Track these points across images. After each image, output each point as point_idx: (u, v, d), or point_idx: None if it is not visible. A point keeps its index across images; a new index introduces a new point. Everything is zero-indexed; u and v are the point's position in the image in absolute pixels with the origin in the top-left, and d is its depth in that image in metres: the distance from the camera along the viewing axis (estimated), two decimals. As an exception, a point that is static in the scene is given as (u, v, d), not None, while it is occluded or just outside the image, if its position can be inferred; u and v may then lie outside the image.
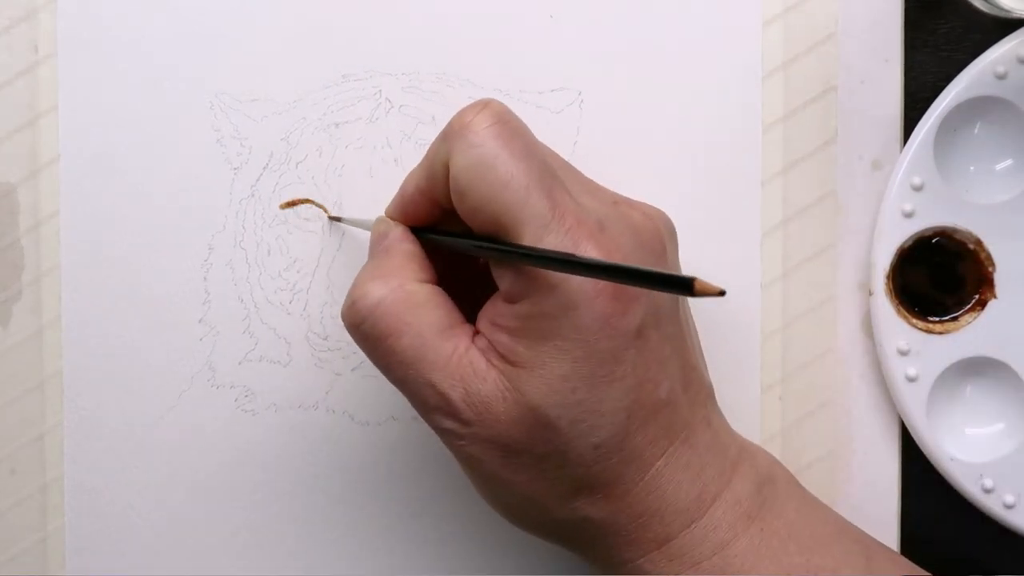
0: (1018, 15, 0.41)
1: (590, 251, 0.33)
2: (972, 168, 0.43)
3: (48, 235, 0.43)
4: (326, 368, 0.44)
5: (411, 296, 0.35)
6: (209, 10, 0.43)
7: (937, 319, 0.43)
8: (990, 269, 0.43)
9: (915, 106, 0.43)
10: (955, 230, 0.43)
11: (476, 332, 0.35)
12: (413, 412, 0.43)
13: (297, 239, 0.43)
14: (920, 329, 0.43)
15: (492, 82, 0.43)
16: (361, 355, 0.43)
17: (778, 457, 0.40)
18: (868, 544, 0.38)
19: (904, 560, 0.39)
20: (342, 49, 0.43)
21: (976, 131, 0.43)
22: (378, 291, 0.35)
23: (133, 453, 0.44)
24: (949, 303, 0.44)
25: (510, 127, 0.34)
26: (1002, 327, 0.43)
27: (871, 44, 0.43)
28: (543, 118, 0.43)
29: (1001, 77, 0.41)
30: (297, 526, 0.44)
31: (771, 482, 0.37)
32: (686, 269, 0.39)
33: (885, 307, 0.43)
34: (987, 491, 0.42)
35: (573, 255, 0.32)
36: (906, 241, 0.43)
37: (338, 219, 0.43)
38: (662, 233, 0.37)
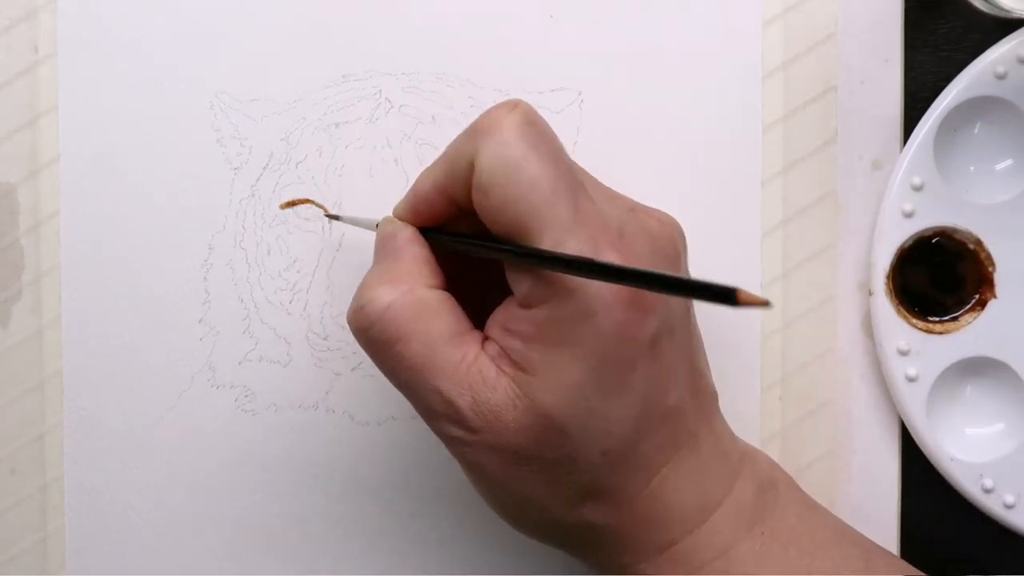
0: (1018, 15, 0.41)
1: (610, 257, 0.33)
2: (972, 168, 0.43)
3: (48, 235, 0.43)
4: (326, 368, 0.44)
5: (421, 302, 0.35)
6: (209, 10, 0.43)
7: (937, 319, 0.43)
8: (990, 269, 0.43)
9: (915, 106, 0.43)
10: (955, 230, 0.43)
11: (485, 339, 0.35)
12: (413, 412, 0.43)
13: (297, 239, 0.43)
14: (920, 329, 0.43)
15: (492, 82, 0.43)
16: (361, 355, 0.43)
17: (778, 457, 0.40)
18: (867, 547, 0.38)
19: (903, 563, 0.39)
20: (342, 49, 0.43)
21: (976, 131, 0.43)
22: (387, 296, 0.35)
23: (133, 453, 0.44)
24: (949, 303, 0.44)
25: (538, 129, 0.34)
26: (1002, 327, 0.43)
27: (871, 44, 0.43)
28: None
29: (1001, 77, 0.41)
30: (297, 526, 0.44)
31: (772, 487, 0.37)
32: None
33: (885, 307, 0.43)
34: (987, 491, 0.42)
35: (612, 263, 0.32)
36: (906, 241, 0.43)
37: (336, 217, 0.43)
38: (676, 240, 0.37)
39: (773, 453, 0.43)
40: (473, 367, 0.34)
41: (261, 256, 0.43)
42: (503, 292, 0.35)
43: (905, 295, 0.43)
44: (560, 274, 0.32)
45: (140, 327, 0.44)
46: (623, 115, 0.43)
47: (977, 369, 0.43)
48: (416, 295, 0.35)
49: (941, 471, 0.43)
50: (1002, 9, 0.40)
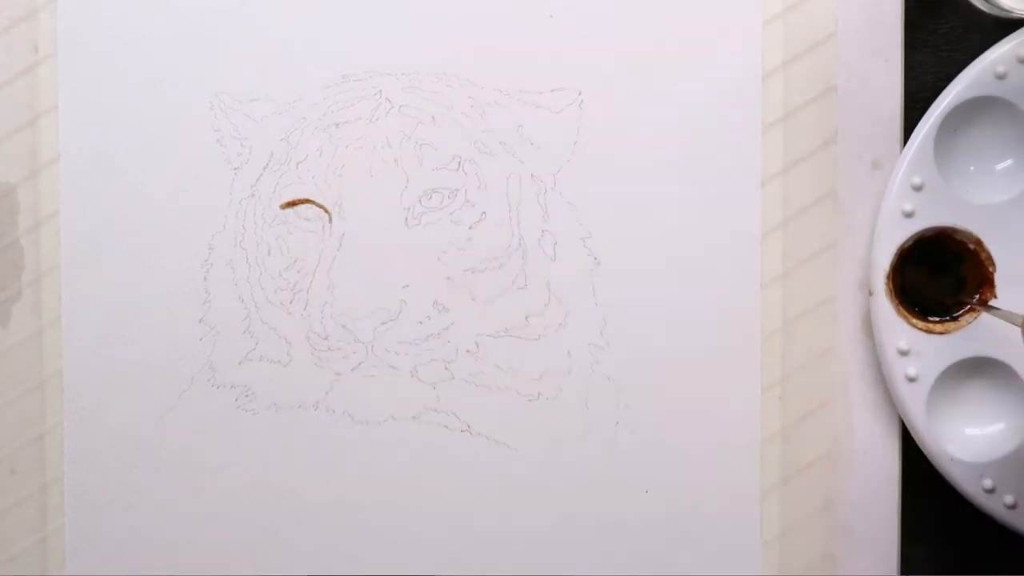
0: (1018, 15, 0.41)
1: None
2: (972, 168, 0.43)
3: (48, 235, 0.43)
4: (326, 368, 0.44)
5: None
6: (209, 10, 0.43)
7: (937, 319, 0.43)
8: (990, 269, 0.43)
9: (915, 106, 0.43)
10: (955, 230, 0.43)
11: None
12: (413, 412, 0.43)
13: (297, 239, 0.43)
14: (920, 329, 0.43)
15: (492, 82, 0.43)
16: (361, 355, 0.43)
17: (778, 457, 0.40)
18: None
19: None
20: (342, 49, 0.43)
21: (976, 131, 0.43)
22: None
23: (133, 453, 0.44)
24: (949, 303, 0.44)
25: None
26: (1002, 327, 0.43)
27: (871, 44, 0.43)
28: (543, 118, 0.43)
29: (1001, 77, 0.41)
30: (297, 525, 0.44)
31: None
32: (686, 269, 0.39)
33: (885, 307, 0.43)
34: (988, 491, 0.42)
35: None
36: (906, 241, 0.43)
37: (995, 310, 0.39)
38: None
39: (773, 453, 0.43)
40: None
41: (261, 256, 0.43)
42: None
43: (905, 295, 0.43)
44: None
45: (140, 327, 0.44)
46: (623, 115, 0.43)
47: (977, 369, 0.43)
48: None
49: (941, 471, 0.43)
50: (1002, 9, 0.40)
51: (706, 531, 0.44)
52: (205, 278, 0.43)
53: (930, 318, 0.43)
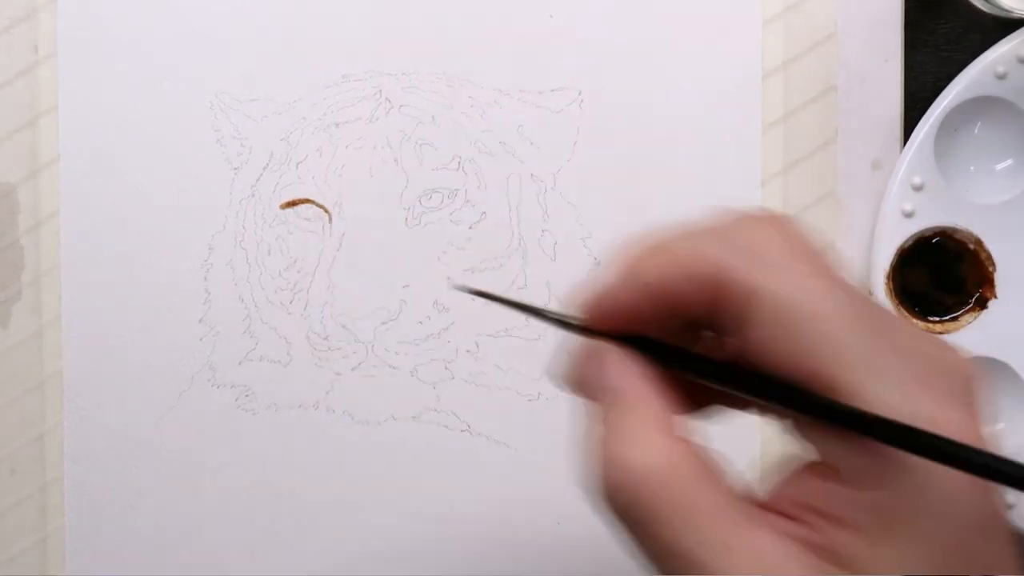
0: (1018, 15, 0.41)
1: (950, 414, 0.25)
2: (972, 168, 0.43)
3: (48, 235, 0.43)
4: (326, 368, 0.44)
5: (681, 464, 0.26)
6: (209, 10, 0.43)
7: (937, 319, 0.43)
8: (990, 269, 0.43)
9: (915, 106, 0.43)
10: (955, 230, 0.43)
11: (778, 514, 0.27)
12: (413, 412, 0.43)
13: (297, 239, 0.43)
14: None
15: (492, 82, 0.43)
16: (361, 355, 0.43)
17: (779, 457, 0.39)
18: None
19: None
20: (342, 49, 0.43)
21: (976, 131, 0.43)
22: (638, 458, 0.26)
23: (133, 453, 0.44)
24: (949, 303, 0.44)
25: (821, 252, 0.27)
26: (1002, 327, 0.43)
27: (871, 44, 0.43)
28: (543, 118, 0.43)
29: (1001, 77, 0.41)
30: (297, 525, 0.44)
31: None
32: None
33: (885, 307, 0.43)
34: (987, 491, 0.42)
35: (988, 451, 0.25)
36: (906, 241, 0.43)
37: (499, 299, 0.33)
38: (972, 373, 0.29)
39: (773, 453, 0.43)
40: (769, 556, 0.25)
41: (261, 256, 0.43)
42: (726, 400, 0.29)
43: (905, 295, 0.43)
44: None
45: (140, 327, 0.44)
46: (623, 115, 0.43)
47: (977, 369, 0.43)
48: (675, 455, 0.26)
49: (941, 471, 0.43)
50: (1002, 9, 0.40)
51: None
52: (205, 278, 0.43)
53: (930, 318, 0.43)
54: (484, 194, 0.43)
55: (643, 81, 0.43)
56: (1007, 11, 0.41)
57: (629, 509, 0.26)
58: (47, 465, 0.44)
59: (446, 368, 0.43)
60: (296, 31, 0.43)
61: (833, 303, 0.26)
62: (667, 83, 0.43)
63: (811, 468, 0.27)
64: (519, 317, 0.43)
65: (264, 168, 0.43)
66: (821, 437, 0.26)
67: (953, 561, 0.25)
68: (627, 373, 0.28)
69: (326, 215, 0.43)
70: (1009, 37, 0.41)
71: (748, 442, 0.42)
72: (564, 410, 0.43)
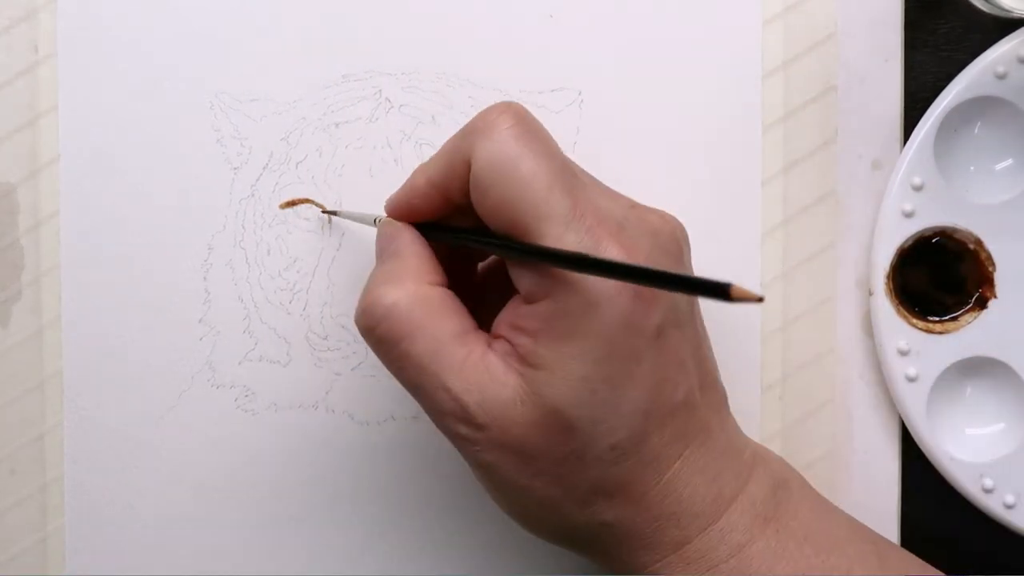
0: (1018, 15, 0.41)
1: (611, 249, 0.33)
2: (972, 168, 0.43)
3: (48, 235, 0.43)
4: (326, 368, 0.44)
5: (425, 300, 0.35)
6: (209, 10, 0.43)
7: (937, 319, 0.43)
8: (990, 269, 0.43)
9: (915, 106, 0.43)
10: (955, 230, 0.43)
11: (495, 337, 0.35)
12: (413, 412, 0.43)
13: (297, 239, 0.43)
14: (920, 329, 0.43)
15: (492, 82, 0.43)
16: (361, 355, 0.43)
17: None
18: (881, 544, 0.38)
19: (916, 559, 0.39)
20: (342, 49, 0.43)
21: (976, 131, 0.43)
22: (392, 294, 0.35)
23: (133, 453, 0.44)
24: (949, 303, 0.44)
25: (532, 128, 0.35)
26: (1002, 327, 0.43)
27: (871, 44, 0.43)
28: (543, 118, 0.42)
29: (1001, 77, 0.41)
30: (297, 525, 0.44)
31: (785, 485, 0.37)
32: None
33: (885, 307, 0.43)
34: (987, 491, 0.42)
35: (609, 259, 0.32)
36: (906, 241, 0.43)
37: (334, 213, 0.43)
38: (678, 236, 0.37)
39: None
40: (480, 364, 0.34)
41: (261, 256, 0.43)
42: (502, 293, 0.36)
43: (905, 295, 0.43)
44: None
45: (140, 327, 0.44)
46: (623, 115, 0.43)
47: (977, 369, 0.43)
48: (421, 293, 0.35)
49: (941, 471, 0.43)
50: (1002, 9, 0.40)
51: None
52: (205, 278, 0.43)
53: (930, 318, 0.43)
54: (484, 194, 0.43)
55: (643, 81, 0.43)
56: (1007, 11, 0.40)
57: (381, 333, 0.35)
58: (47, 465, 0.44)
59: (446, 368, 0.43)
60: (296, 31, 0.43)
61: (538, 167, 0.33)
62: (667, 83, 0.43)
63: (516, 298, 0.35)
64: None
65: (264, 168, 0.43)
66: (517, 271, 0.34)
67: (606, 351, 0.33)
68: (404, 239, 0.37)
69: (326, 215, 0.43)
70: (1009, 37, 0.41)
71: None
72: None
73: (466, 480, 0.43)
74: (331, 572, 0.44)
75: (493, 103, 0.35)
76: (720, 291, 0.25)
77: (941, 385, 0.43)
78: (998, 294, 0.43)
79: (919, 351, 0.43)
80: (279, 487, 0.44)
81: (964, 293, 0.44)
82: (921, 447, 0.43)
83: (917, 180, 0.42)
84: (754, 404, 0.44)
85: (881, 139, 0.43)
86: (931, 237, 0.43)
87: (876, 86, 0.43)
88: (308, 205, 0.43)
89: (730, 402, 0.39)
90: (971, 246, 0.43)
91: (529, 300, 0.34)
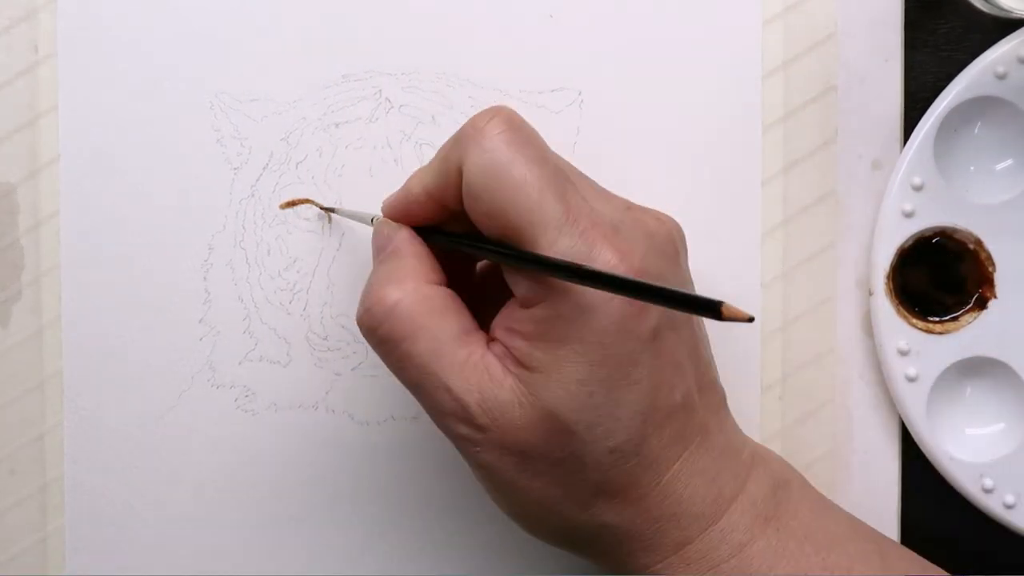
0: (1018, 15, 0.41)
1: (605, 253, 0.33)
2: (972, 168, 0.43)
3: (48, 235, 0.43)
4: (326, 368, 0.44)
5: (426, 300, 0.35)
6: (209, 10, 0.43)
7: (937, 319, 0.43)
8: (990, 269, 0.43)
9: (915, 106, 0.43)
10: (955, 230, 0.43)
11: (492, 339, 0.35)
12: (413, 412, 0.43)
13: (297, 239, 0.43)
14: (920, 329, 0.43)
15: (492, 82, 0.43)
16: (361, 355, 0.43)
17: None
18: (882, 543, 0.38)
19: (917, 557, 0.39)
20: (342, 49, 0.43)
21: (976, 131, 0.43)
22: (393, 295, 0.35)
23: (133, 453, 0.44)
24: (949, 303, 0.44)
25: (522, 133, 0.35)
26: (1002, 327, 0.43)
27: (871, 44, 0.43)
28: (543, 118, 0.43)
29: (1001, 77, 0.41)
30: (297, 525, 0.44)
31: (785, 484, 0.37)
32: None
33: (885, 307, 0.43)
34: (987, 491, 0.42)
35: (600, 270, 0.32)
36: (906, 241, 0.43)
37: (332, 210, 0.43)
38: (675, 238, 0.37)
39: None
40: (480, 364, 0.34)
41: (261, 256, 0.43)
42: (502, 291, 0.36)
43: (905, 295, 0.43)
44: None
45: (140, 327, 0.44)
46: (623, 115, 0.43)
47: (977, 369, 0.43)
48: (422, 293, 0.35)
49: (941, 471, 0.43)
50: (1002, 9, 0.40)
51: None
52: (205, 278, 0.43)
53: (930, 318, 0.43)
54: (484, 194, 0.43)
55: (643, 81, 0.43)
56: (1007, 11, 0.40)
57: (384, 333, 0.35)
58: (47, 465, 0.44)
59: (446, 368, 0.43)
60: (296, 31, 0.43)
61: (529, 172, 0.33)
62: (667, 83, 0.43)
63: (512, 301, 0.35)
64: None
65: (264, 168, 0.43)
66: (512, 276, 0.34)
67: (601, 354, 0.33)
68: (402, 239, 0.37)
69: (326, 215, 0.43)
70: (1009, 37, 0.41)
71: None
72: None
73: (466, 480, 0.43)
74: (331, 572, 0.44)
75: (484, 108, 0.36)
76: (711, 309, 0.26)
77: (941, 385, 0.43)
78: (998, 294, 0.43)
79: (919, 351, 0.43)
80: (279, 487, 0.44)
81: (964, 293, 0.43)
82: (921, 447, 0.43)
83: (917, 180, 0.42)
84: (754, 404, 0.44)
85: (881, 139, 0.43)
86: (931, 237, 0.43)
87: (876, 86, 0.43)
88: (308, 205, 0.43)
89: (730, 402, 0.39)
90: (971, 246, 0.43)
91: (524, 304, 0.34)
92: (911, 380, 0.43)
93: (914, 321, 0.43)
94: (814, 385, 0.44)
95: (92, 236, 0.43)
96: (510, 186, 0.33)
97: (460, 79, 0.43)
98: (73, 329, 0.44)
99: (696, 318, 0.37)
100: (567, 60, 0.43)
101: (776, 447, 0.43)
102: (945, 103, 0.42)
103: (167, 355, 0.44)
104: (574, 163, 0.38)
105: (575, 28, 0.43)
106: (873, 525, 0.39)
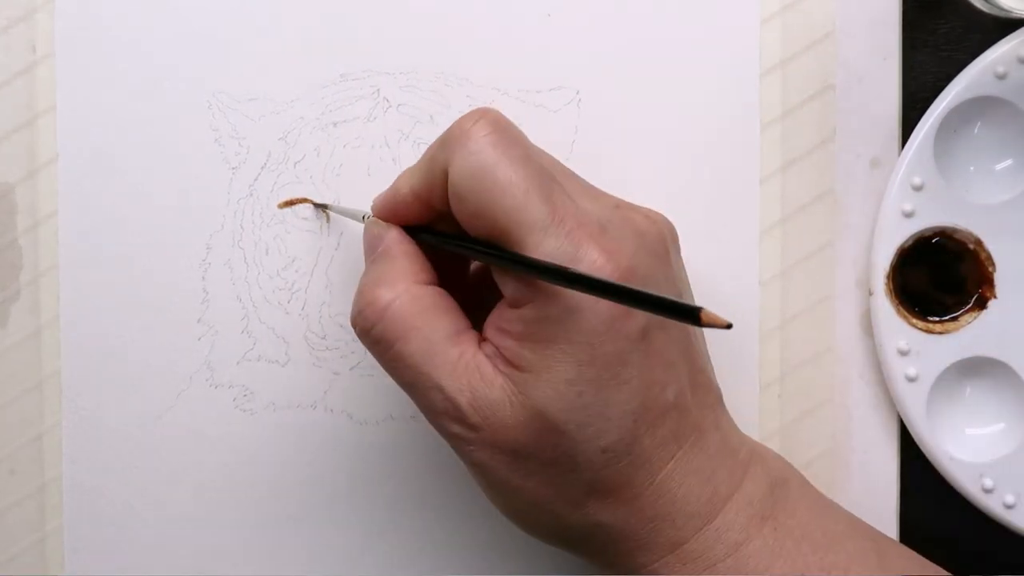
0: (1018, 15, 0.41)
1: (591, 253, 0.33)
2: (972, 168, 0.43)
3: (46, 235, 0.43)
4: (324, 367, 0.44)
5: (418, 300, 0.35)
6: (208, 10, 0.43)
7: (937, 319, 0.43)
8: (990, 269, 0.43)
9: (915, 106, 0.43)
10: (955, 230, 0.43)
11: (482, 339, 0.35)
12: (411, 411, 0.43)
13: (295, 238, 0.43)
14: (920, 329, 0.43)
15: (490, 81, 0.43)
16: (360, 354, 0.43)
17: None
18: (880, 541, 0.38)
19: (916, 556, 0.39)
20: (340, 48, 0.43)
21: (976, 131, 0.43)
22: (385, 296, 0.35)
23: (132, 453, 0.44)
24: (949, 303, 0.44)
25: (508, 134, 0.35)
26: (1002, 327, 0.43)
27: (869, 42, 0.43)
28: (541, 117, 0.43)
29: (1001, 77, 0.41)
30: (296, 525, 0.44)
31: (783, 483, 0.37)
32: (685, 268, 0.39)
33: (885, 307, 0.43)
34: (987, 491, 0.42)
35: (583, 273, 0.32)
36: (906, 241, 0.43)
37: (325, 206, 0.43)
38: (665, 236, 0.37)
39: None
40: (471, 363, 0.34)
41: (259, 255, 0.43)
42: (495, 290, 0.36)
43: (905, 295, 0.43)
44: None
45: (138, 327, 0.44)
46: (621, 114, 0.43)
47: (977, 369, 0.43)
48: (413, 293, 0.35)
49: (941, 471, 0.43)
50: (1002, 9, 0.40)
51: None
52: (203, 278, 0.43)
53: (930, 318, 0.43)
54: (482, 194, 0.43)
55: (641, 80, 0.43)
56: (1007, 11, 0.40)
57: (377, 334, 0.35)
58: (46, 465, 0.44)
59: (444, 368, 0.43)
60: (294, 30, 0.43)
61: (514, 173, 0.33)
62: (665, 82, 0.43)
63: (503, 301, 0.35)
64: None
65: (262, 168, 0.43)
66: (500, 276, 0.35)
67: (590, 354, 0.33)
68: (392, 239, 0.37)
69: (324, 214, 0.43)
70: (1009, 37, 0.41)
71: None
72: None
73: (464, 479, 0.43)
74: (330, 572, 0.44)
75: (470, 110, 0.36)
76: (690, 315, 0.26)
77: (941, 385, 0.43)
78: (998, 294, 0.43)
79: (919, 351, 0.43)
80: (278, 487, 0.44)
81: (964, 293, 0.43)
82: (921, 447, 0.43)
83: (917, 180, 0.42)
84: (752, 403, 0.43)
85: (879, 138, 0.43)
86: (931, 237, 0.43)
87: (874, 85, 0.43)
88: (306, 205, 0.43)
89: (728, 401, 0.39)
90: (971, 246, 0.43)
91: (513, 305, 0.34)
92: (911, 380, 0.42)
93: (914, 321, 0.43)
94: (812, 384, 0.44)
95: (90, 236, 0.43)
96: (495, 188, 0.33)
97: (458, 78, 0.43)
98: (71, 329, 0.44)
99: None
100: (565, 59, 0.43)
101: (775, 446, 0.43)
102: (945, 103, 0.42)
103: (166, 355, 0.44)
104: (572, 162, 0.38)
105: (573, 27, 0.43)
106: (872, 524, 0.39)
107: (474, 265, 0.41)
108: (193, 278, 0.43)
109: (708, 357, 0.38)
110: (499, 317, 0.35)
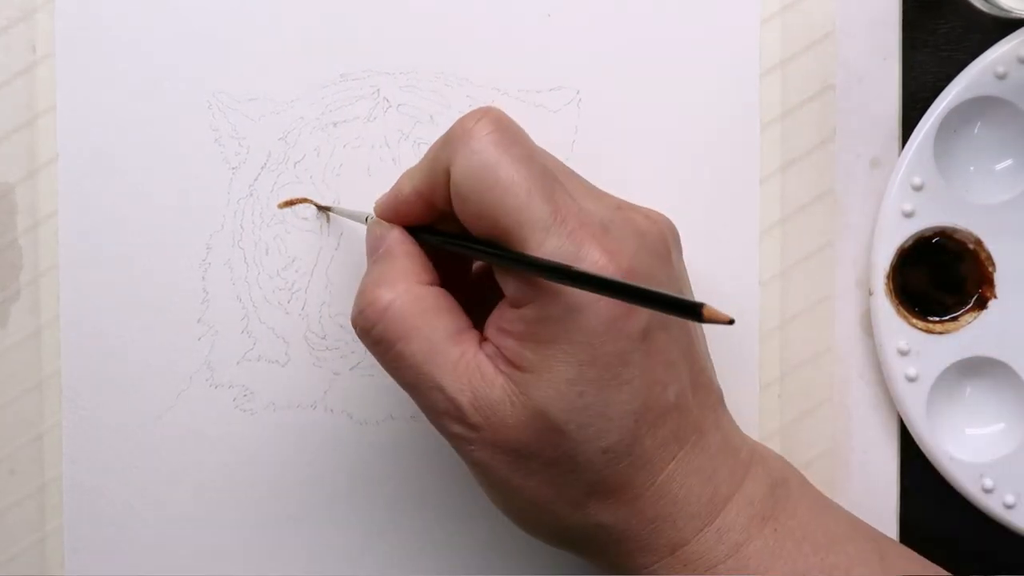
0: (1018, 15, 0.41)
1: (593, 253, 0.33)
2: (972, 168, 0.43)
3: (46, 235, 0.43)
4: (324, 367, 0.44)
5: (419, 300, 0.35)
6: (208, 10, 0.43)
7: (937, 319, 0.43)
8: (990, 269, 0.43)
9: (915, 106, 0.43)
10: (955, 230, 0.43)
11: (484, 339, 0.35)
12: (411, 411, 0.43)
13: (295, 238, 0.43)
14: (920, 329, 0.43)
15: (490, 81, 0.43)
16: (359, 354, 0.43)
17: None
18: (881, 542, 0.38)
19: (917, 556, 0.39)
20: (340, 48, 0.43)
21: (976, 131, 0.43)
22: (386, 295, 0.35)
23: (132, 453, 0.44)
24: (949, 303, 0.44)
25: (510, 134, 0.35)
26: (1002, 327, 0.43)
27: (869, 42, 0.43)
28: (541, 117, 0.43)
29: (1001, 77, 0.41)
30: (296, 525, 0.44)
31: (783, 484, 0.37)
32: (686, 268, 0.39)
33: (885, 307, 0.43)
34: (987, 491, 0.42)
35: (585, 271, 0.32)
36: (906, 241, 0.43)
37: (328, 209, 0.43)
38: (667, 236, 0.37)
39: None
40: (472, 363, 0.34)
41: (259, 255, 0.43)
42: (497, 290, 0.36)
43: (905, 295, 0.43)
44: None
45: (138, 327, 0.44)
46: (621, 114, 0.43)
47: (977, 369, 0.43)
48: (414, 293, 0.35)
49: (941, 471, 0.43)
50: (1002, 9, 0.40)
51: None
52: (203, 278, 0.43)
53: (930, 318, 0.43)
54: (482, 194, 0.43)
55: (641, 81, 0.43)
56: (1007, 11, 0.40)
57: (377, 334, 0.35)
58: (45, 465, 0.44)
59: (444, 368, 0.43)
60: (294, 30, 0.43)
61: (516, 173, 0.33)
62: (665, 81, 0.43)
63: (504, 301, 0.35)
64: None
65: (262, 168, 0.43)
66: (502, 276, 0.35)
67: (590, 354, 0.33)
68: (393, 240, 0.37)
69: (324, 214, 0.43)
70: (1009, 37, 0.41)
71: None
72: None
73: (465, 479, 0.43)
74: (331, 572, 0.44)
75: (472, 109, 0.36)
76: (692, 310, 0.26)
77: (941, 385, 0.43)
78: (998, 294, 0.43)
79: (919, 351, 0.43)
80: (278, 487, 0.44)
81: (964, 293, 0.43)
82: (921, 447, 0.43)
83: (917, 180, 0.42)
84: (752, 403, 0.43)
85: (879, 138, 0.43)
86: (931, 237, 0.43)
87: (874, 85, 0.43)
88: (306, 205, 0.43)
89: (728, 401, 0.39)
90: (971, 246, 0.43)
91: (514, 304, 0.34)
92: (911, 380, 0.42)
93: (914, 321, 0.43)
94: (812, 384, 0.44)
95: (90, 236, 0.43)
96: (498, 188, 0.34)
97: (458, 78, 0.43)
98: (71, 329, 0.44)
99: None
100: (565, 59, 0.43)
101: (775, 446, 0.43)
102: (945, 103, 0.42)
103: (166, 355, 0.44)
104: (572, 162, 0.38)
105: (573, 27, 0.43)
106: (872, 525, 0.39)
107: (476, 265, 0.41)
108: (193, 278, 0.43)
109: (709, 357, 0.38)
110: (500, 317, 0.35)
